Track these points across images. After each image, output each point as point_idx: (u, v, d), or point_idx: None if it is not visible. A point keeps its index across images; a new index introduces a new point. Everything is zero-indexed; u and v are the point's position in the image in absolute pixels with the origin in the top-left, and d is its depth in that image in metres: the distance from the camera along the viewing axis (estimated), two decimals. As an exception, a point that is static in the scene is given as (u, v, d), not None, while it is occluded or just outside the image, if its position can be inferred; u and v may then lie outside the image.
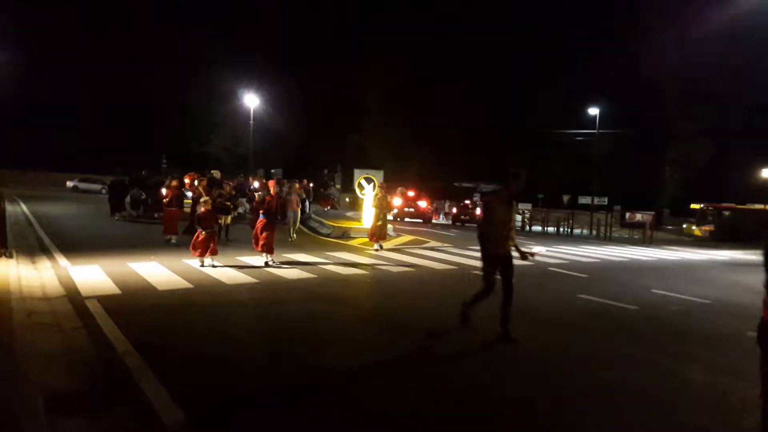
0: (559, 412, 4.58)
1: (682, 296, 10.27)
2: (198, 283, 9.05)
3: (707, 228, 31.92)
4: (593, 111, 37.63)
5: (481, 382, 5.18)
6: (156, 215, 19.67)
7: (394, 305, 8.60)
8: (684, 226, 36.18)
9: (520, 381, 5.32)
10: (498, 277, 6.57)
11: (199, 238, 10.62)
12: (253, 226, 15.49)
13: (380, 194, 15.32)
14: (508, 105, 60.49)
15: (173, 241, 13.77)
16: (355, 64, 49.85)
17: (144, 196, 20.69)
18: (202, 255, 10.58)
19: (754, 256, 21.76)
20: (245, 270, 10.52)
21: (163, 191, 14.96)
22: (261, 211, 11.56)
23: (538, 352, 6.23)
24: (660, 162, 52.30)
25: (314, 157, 47.08)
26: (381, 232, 15.12)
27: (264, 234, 11.28)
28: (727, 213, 34.09)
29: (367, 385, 4.95)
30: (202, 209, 11.00)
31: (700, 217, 34.09)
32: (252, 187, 20.96)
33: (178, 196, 14.62)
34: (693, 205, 36.67)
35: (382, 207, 15.14)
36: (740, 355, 6.60)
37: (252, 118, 40.97)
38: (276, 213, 11.72)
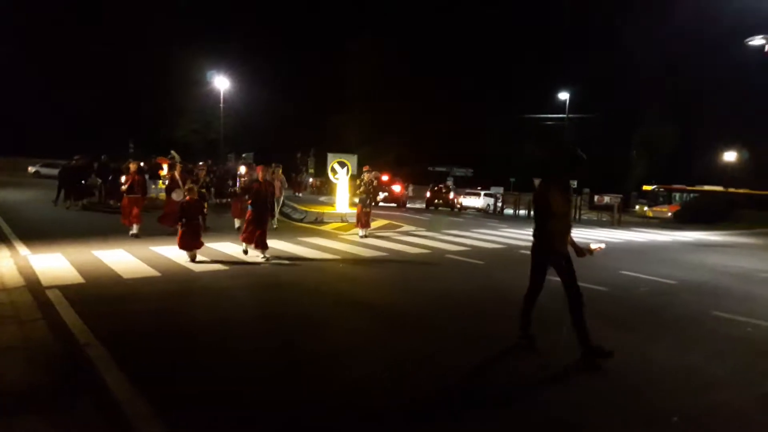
0: (530, 392, 4.59)
1: (650, 277, 10.46)
2: (165, 270, 8.85)
3: (661, 209, 32.84)
4: (563, 96, 37.96)
5: (456, 358, 5.17)
6: (111, 203, 19.05)
7: (367, 290, 8.55)
8: (636, 207, 37.22)
9: (495, 362, 5.32)
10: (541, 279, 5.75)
11: (186, 232, 9.66)
12: (237, 215, 14.71)
13: (369, 180, 15.10)
14: (481, 89, 60.71)
15: (134, 231, 12.51)
16: (331, 47, 49.33)
17: (100, 183, 19.69)
18: (193, 249, 9.80)
19: (716, 236, 22.37)
20: (217, 257, 10.32)
21: (122, 178, 13.44)
22: (249, 201, 10.47)
23: (507, 334, 6.24)
24: (628, 145, 53.19)
25: (287, 142, 46.56)
26: (367, 219, 14.96)
27: (256, 229, 10.18)
28: (683, 194, 35.28)
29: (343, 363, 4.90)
30: (187, 197, 10.04)
31: (651, 199, 35.23)
32: (238, 173, 19.55)
33: (140, 182, 13.14)
34: (645, 187, 38.05)
35: (371, 192, 15.00)
36: (706, 334, 6.74)
37: (222, 101, 40.20)
38: (266, 202, 10.46)
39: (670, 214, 33.74)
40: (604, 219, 29.82)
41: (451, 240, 15.20)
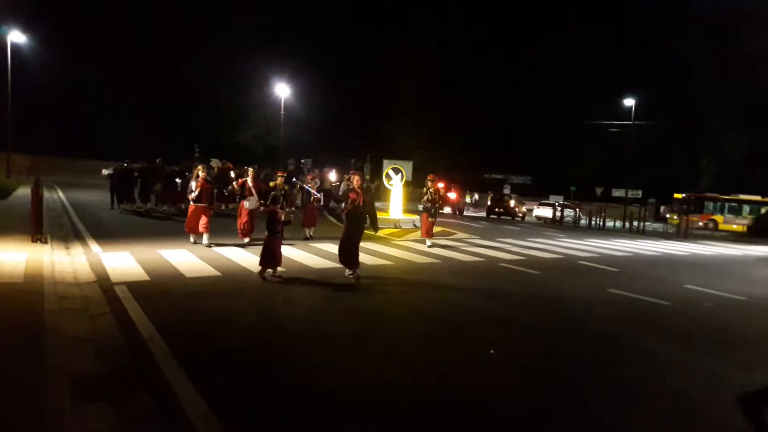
0: (585, 406, 4.47)
1: (717, 292, 9.96)
2: (225, 270, 9.15)
3: (692, 218, 31.21)
4: (629, 102, 36.68)
5: (507, 375, 5.10)
6: (164, 208, 18.35)
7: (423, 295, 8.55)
8: (667, 216, 36.06)
9: (548, 378, 5.21)
10: None
11: (271, 248, 8.67)
12: (310, 223, 13.72)
13: (435, 189, 14.56)
14: (541, 96, 59.60)
15: (205, 242, 11.67)
16: (387, 55, 49.77)
17: (159, 187, 18.67)
18: (276, 266, 8.86)
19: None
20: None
21: (192, 184, 12.01)
22: (344, 212, 9.17)
23: (565, 348, 6.11)
24: (696, 154, 50.83)
25: (343, 148, 47.25)
26: (432, 228, 14.57)
27: (349, 247, 9.12)
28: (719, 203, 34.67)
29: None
30: (270, 207, 8.91)
31: (680, 206, 34.31)
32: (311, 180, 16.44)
33: (209, 191, 11.99)
34: (676, 195, 36.80)
35: (437, 201, 14.52)
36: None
37: (283, 107, 41.23)
38: (363, 215, 9.22)
39: (701, 223, 33.12)
40: (670, 231, 28.61)
41: (504, 248, 14.98)
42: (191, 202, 11.87)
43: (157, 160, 19.35)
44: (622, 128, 41.67)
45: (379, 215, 20.61)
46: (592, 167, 49.89)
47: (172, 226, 15.13)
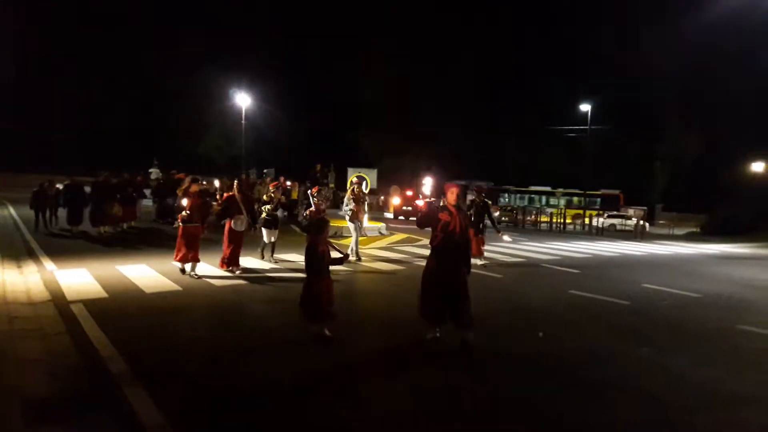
0: (552, 408, 4.54)
1: (673, 290, 10.27)
2: (186, 285, 8.96)
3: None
4: (585, 107, 37.68)
5: (476, 379, 5.14)
6: (102, 230, 15.46)
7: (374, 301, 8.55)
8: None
9: (514, 379, 5.27)
10: None
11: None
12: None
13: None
14: (504, 102, 60.56)
15: (193, 273, 9.61)
16: (350, 64, 49.77)
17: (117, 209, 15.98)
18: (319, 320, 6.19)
19: (743, 249, 21.88)
20: (241, 274, 10.42)
21: (184, 201, 9.70)
22: (432, 244, 6.16)
23: (529, 349, 6.20)
24: (651, 157, 52.42)
25: (307, 157, 46.99)
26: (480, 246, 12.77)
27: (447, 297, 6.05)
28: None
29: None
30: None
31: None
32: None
33: (201, 207, 9.79)
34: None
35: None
36: (731, 348, 6.60)
37: (244, 117, 40.81)
38: (459, 247, 6.03)
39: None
40: (629, 231, 29.41)
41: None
42: (180, 223, 9.58)
43: (104, 174, 16.79)
44: (580, 133, 42.76)
45: (345, 223, 20.48)
46: (553, 170, 50.88)
47: (131, 240, 14.77)
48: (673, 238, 27.87)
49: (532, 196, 45.53)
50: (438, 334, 6.14)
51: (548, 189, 45.84)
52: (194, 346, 5.88)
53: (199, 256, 9.74)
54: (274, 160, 43.89)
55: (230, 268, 10.20)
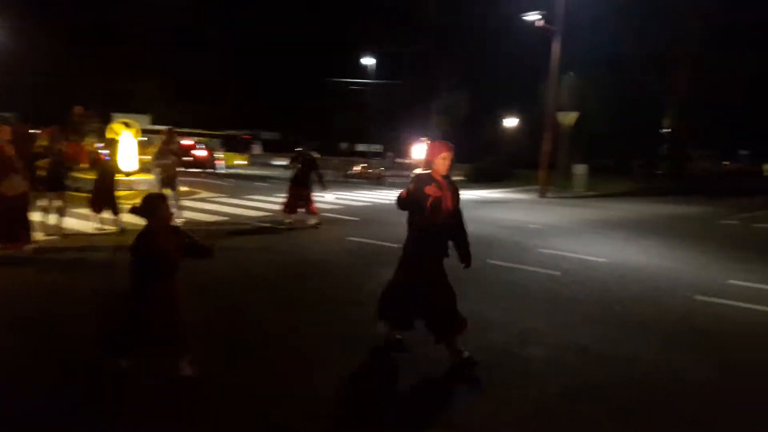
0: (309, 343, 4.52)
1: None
2: None
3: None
4: (368, 61, 38.90)
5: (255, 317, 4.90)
6: None
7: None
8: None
9: (278, 317, 5.17)
10: None
11: None
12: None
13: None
14: (285, 55, 59.43)
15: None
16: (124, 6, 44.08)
17: None
18: None
19: (499, 194, 25.00)
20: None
21: None
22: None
23: (307, 294, 6.18)
24: (430, 112, 56.64)
25: (69, 101, 40.91)
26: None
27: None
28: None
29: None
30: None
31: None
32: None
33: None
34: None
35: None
36: (483, 280, 7.35)
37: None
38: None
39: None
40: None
41: (252, 206, 14.76)
42: None
43: None
44: (365, 86, 44.21)
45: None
46: (339, 123, 52.06)
47: None
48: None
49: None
50: (399, 337, 4.89)
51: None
52: None
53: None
54: (22, 103, 37.23)
55: (5, 245, 7.54)
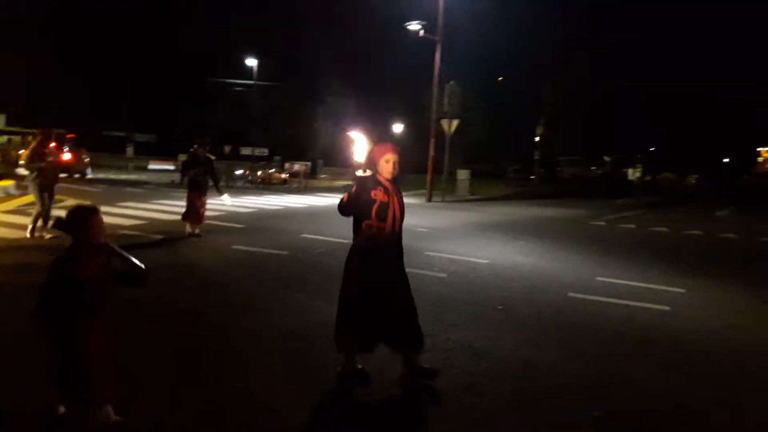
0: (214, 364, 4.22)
1: (328, 238, 11.05)
2: None
3: None
4: (251, 62, 37.92)
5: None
6: None
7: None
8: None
9: (180, 334, 4.76)
10: None
11: None
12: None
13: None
14: (166, 54, 56.40)
15: None
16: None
17: None
18: None
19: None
20: None
21: None
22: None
23: (193, 306, 5.81)
24: (315, 115, 56.41)
25: None
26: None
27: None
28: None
29: None
30: None
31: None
32: None
33: None
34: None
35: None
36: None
37: None
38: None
39: None
40: (295, 186, 31.09)
41: (122, 213, 13.75)
42: None
43: None
44: (247, 88, 43.01)
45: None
46: (219, 125, 50.24)
47: None
48: (332, 190, 30.57)
49: None
50: (360, 366, 4.35)
51: None
52: None
53: None
54: None
55: None
